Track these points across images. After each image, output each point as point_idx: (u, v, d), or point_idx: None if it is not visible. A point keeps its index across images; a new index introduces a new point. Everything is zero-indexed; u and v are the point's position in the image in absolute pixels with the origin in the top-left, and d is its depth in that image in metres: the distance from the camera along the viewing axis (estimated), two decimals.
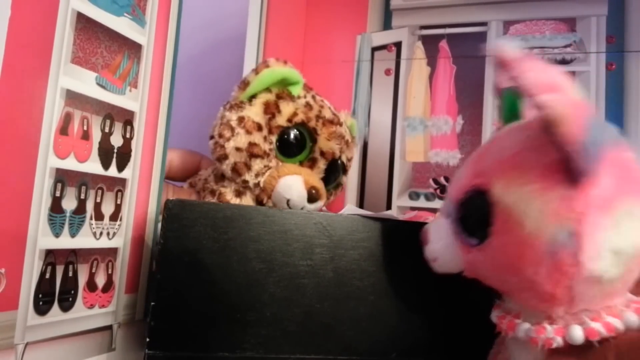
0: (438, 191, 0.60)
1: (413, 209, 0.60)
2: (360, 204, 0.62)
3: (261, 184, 0.41)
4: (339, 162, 0.46)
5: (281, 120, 0.42)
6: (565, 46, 0.58)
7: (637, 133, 0.55)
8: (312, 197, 0.41)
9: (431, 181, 0.60)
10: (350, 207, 0.39)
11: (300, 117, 0.43)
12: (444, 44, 0.62)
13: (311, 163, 0.44)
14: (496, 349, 0.34)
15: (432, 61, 0.62)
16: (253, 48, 0.58)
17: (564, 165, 0.25)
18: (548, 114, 0.23)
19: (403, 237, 0.37)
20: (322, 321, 0.35)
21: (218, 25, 0.77)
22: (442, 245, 0.31)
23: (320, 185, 0.43)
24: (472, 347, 0.36)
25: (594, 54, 0.57)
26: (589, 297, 0.26)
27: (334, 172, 0.45)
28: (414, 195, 0.61)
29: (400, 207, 0.61)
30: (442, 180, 0.60)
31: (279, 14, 0.61)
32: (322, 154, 0.44)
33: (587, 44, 0.57)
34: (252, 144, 0.41)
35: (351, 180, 0.62)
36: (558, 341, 0.26)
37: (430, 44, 0.62)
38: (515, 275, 0.27)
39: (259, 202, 0.42)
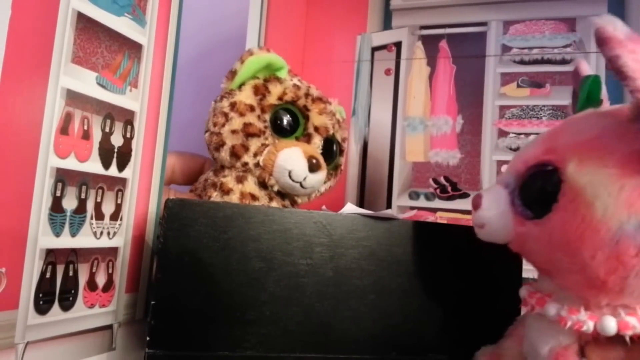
0: (438, 191, 0.60)
1: (413, 208, 0.60)
2: (360, 204, 0.62)
3: (261, 163, 0.42)
4: (334, 141, 0.46)
5: (272, 99, 0.43)
6: (565, 46, 0.58)
7: None
8: (312, 166, 0.42)
9: (431, 181, 0.60)
10: (350, 207, 0.39)
11: (290, 96, 0.44)
12: (444, 44, 0.62)
13: (307, 139, 0.45)
14: (513, 326, 0.34)
15: (432, 61, 0.62)
16: None
17: None
18: None
19: (403, 236, 0.37)
20: (322, 320, 0.35)
21: (218, 26, 0.77)
22: (494, 213, 0.30)
23: (319, 155, 0.43)
24: (472, 346, 0.36)
25: (594, 54, 0.57)
26: (637, 291, 0.26)
27: (330, 151, 0.46)
28: (414, 195, 0.61)
29: (400, 207, 0.61)
30: (442, 179, 0.60)
31: (279, 14, 0.61)
32: (316, 129, 0.45)
33: (587, 44, 0.57)
34: (247, 124, 0.42)
35: (351, 180, 0.62)
36: (589, 325, 0.26)
37: (430, 44, 0.62)
38: (570, 255, 0.26)
39: (261, 183, 0.43)
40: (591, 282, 0.26)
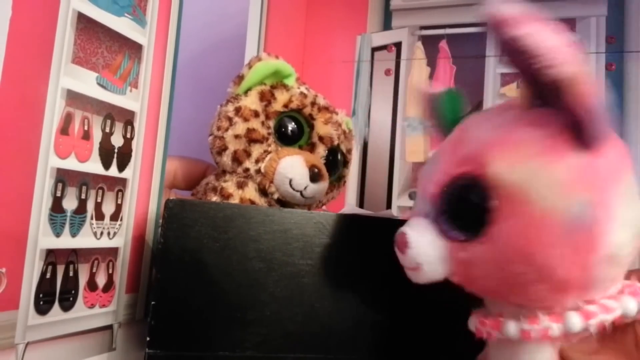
0: None
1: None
2: (360, 204, 0.62)
3: (262, 170, 0.42)
4: (339, 152, 0.46)
5: (277, 106, 0.43)
6: None
7: (637, 133, 0.55)
8: (314, 176, 0.41)
9: None
10: (350, 207, 0.39)
11: (295, 104, 0.43)
12: (443, 44, 0.62)
13: (311, 148, 0.44)
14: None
15: (432, 61, 0.62)
16: (253, 49, 0.59)
17: (571, 134, 0.23)
18: (563, 73, 0.22)
19: None
20: (322, 320, 0.35)
21: (218, 26, 0.77)
22: (426, 249, 0.27)
23: (321, 165, 0.43)
24: (475, 347, 0.36)
25: (594, 54, 0.57)
26: (604, 280, 0.24)
27: (335, 161, 0.46)
28: (414, 195, 0.61)
29: (400, 207, 0.61)
30: None
31: (279, 14, 0.61)
32: (321, 138, 0.44)
33: (587, 44, 0.57)
34: (250, 130, 0.41)
35: (351, 180, 0.62)
36: (554, 329, 0.25)
37: (430, 44, 0.63)
38: (525, 263, 0.24)
39: (261, 190, 0.43)
40: (555, 285, 0.24)
